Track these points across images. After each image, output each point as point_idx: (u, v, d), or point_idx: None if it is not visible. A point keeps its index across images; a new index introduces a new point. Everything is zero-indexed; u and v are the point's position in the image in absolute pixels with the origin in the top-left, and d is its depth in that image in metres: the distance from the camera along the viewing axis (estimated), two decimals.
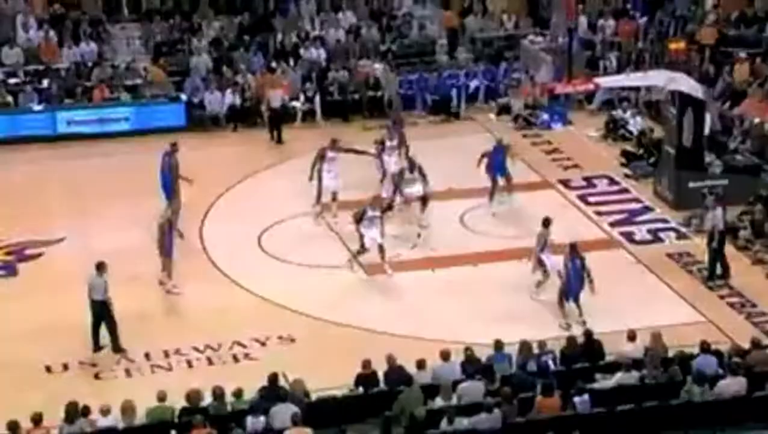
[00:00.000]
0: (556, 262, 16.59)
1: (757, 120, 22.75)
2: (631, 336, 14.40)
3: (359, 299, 17.02)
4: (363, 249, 17.58)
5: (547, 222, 17.02)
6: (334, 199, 19.36)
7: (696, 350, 13.84)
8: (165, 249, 17.12)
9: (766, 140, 22.23)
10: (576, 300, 15.91)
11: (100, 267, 15.61)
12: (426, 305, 16.73)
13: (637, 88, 24.88)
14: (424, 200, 19.08)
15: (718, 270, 17.53)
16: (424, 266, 17.89)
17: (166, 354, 15.57)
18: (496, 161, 19.88)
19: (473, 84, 26.11)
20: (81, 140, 23.70)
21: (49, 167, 22.38)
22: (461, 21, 27.84)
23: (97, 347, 15.44)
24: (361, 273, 17.86)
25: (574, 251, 16.02)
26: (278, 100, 24.41)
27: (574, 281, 15.83)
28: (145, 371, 15.28)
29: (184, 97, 25.14)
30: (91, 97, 24.93)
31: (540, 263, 16.83)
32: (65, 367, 15.29)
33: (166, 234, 17.15)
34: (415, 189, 19.02)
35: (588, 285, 15.92)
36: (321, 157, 19.67)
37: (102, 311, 15.45)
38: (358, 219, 17.64)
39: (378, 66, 26.28)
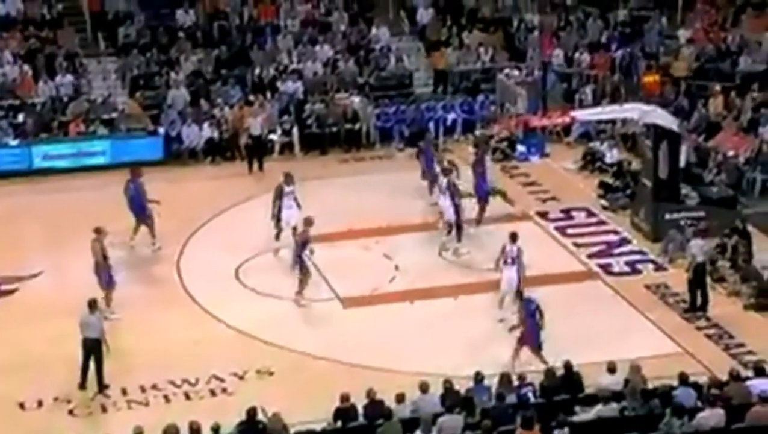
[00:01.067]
0: (511, 279, 16.83)
1: (731, 152, 23.03)
2: (611, 368, 14.42)
3: (338, 332, 16.98)
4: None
5: (514, 237, 17.34)
6: (295, 231, 19.35)
7: (674, 382, 13.87)
8: (103, 282, 17.06)
9: (740, 173, 22.50)
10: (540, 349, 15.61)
11: (92, 305, 15.44)
12: (405, 337, 16.71)
13: (613, 121, 25.12)
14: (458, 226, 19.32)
15: (699, 301, 17.61)
16: (402, 299, 17.87)
17: (143, 389, 15.46)
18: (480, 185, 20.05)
19: (450, 117, 26.30)
20: (57, 175, 23.66)
21: (25, 202, 22.30)
22: (446, 61, 27.92)
23: (83, 385, 15.23)
24: (338, 305, 17.83)
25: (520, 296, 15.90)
26: (258, 128, 24.45)
27: (533, 331, 15.59)
28: (121, 406, 15.15)
29: (161, 130, 25.15)
30: (67, 132, 24.90)
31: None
32: (39, 404, 15.14)
33: (102, 268, 17.05)
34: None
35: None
36: (279, 193, 19.72)
37: (95, 349, 15.26)
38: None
39: (355, 99, 26.42)
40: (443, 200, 19.50)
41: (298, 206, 19.58)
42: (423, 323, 17.06)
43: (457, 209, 19.33)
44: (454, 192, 19.39)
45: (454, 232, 19.48)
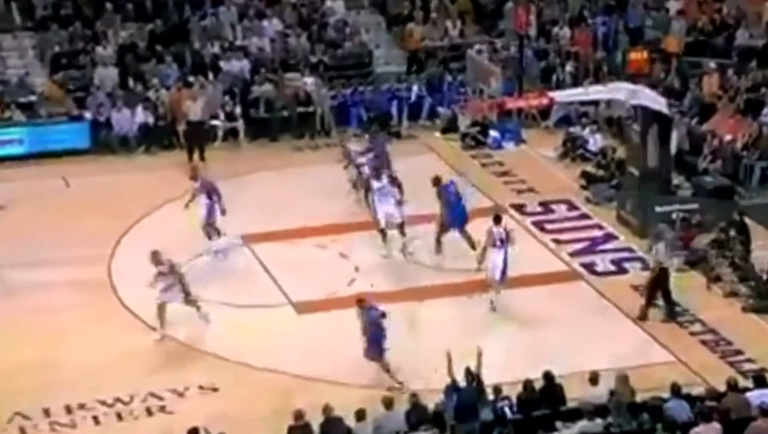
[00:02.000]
0: (496, 264, 17.41)
1: (728, 137, 23.23)
2: (594, 379, 14.53)
3: (289, 341, 16.95)
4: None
5: (498, 219, 18.00)
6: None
7: (666, 393, 14.00)
8: None
9: (738, 160, 22.71)
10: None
11: None
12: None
13: (596, 103, 25.29)
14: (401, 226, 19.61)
15: (666, 303, 17.76)
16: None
17: (69, 410, 15.32)
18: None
19: (414, 99, 26.33)
20: None
21: None
22: (420, 41, 27.89)
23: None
24: (291, 311, 17.81)
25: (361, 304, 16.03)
26: (198, 112, 24.34)
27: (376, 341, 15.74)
28: (43, 429, 15.00)
29: (87, 115, 24.93)
30: None
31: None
32: None
33: None
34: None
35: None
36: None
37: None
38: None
39: (308, 79, 26.36)
40: (388, 205, 19.51)
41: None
42: (387, 330, 17.04)
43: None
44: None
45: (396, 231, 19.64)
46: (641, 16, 28.15)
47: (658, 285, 17.75)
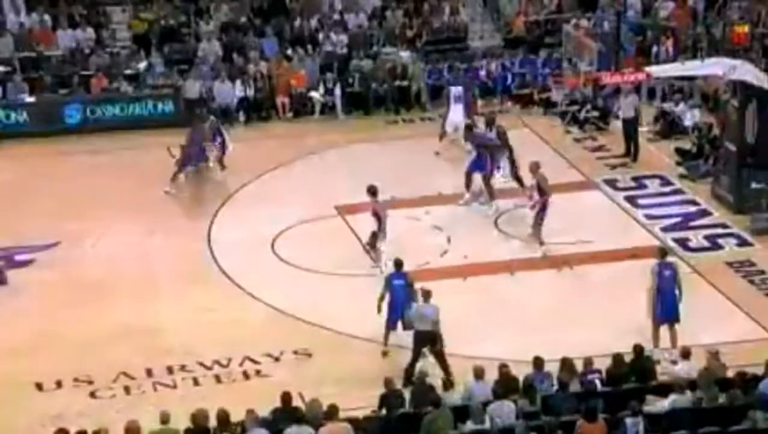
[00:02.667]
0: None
1: None
2: (685, 354, 14.32)
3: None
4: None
5: (537, 165, 18.43)
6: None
7: (760, 370, 13.72)
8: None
9: None
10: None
11: (427, 296, 15.32)
12: (457, 317, 16.70)
13: (692, 78, 24.78)
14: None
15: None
16: (454, 275, 17.89)
17: (170, 371, 15.65)
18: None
19: (510, 74, 26.12)
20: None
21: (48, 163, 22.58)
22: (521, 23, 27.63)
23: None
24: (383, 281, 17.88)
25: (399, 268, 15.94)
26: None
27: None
28: (146, 389, 15.34)
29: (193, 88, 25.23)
30: (88, 87, 25.13)
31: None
32: (58, 384, 15.39)
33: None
34: None
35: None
36: None
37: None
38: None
39: (404, 54, 26.32)
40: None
41: None
42: (477, 302, 17.05)
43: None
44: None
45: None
46: None
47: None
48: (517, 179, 20.41)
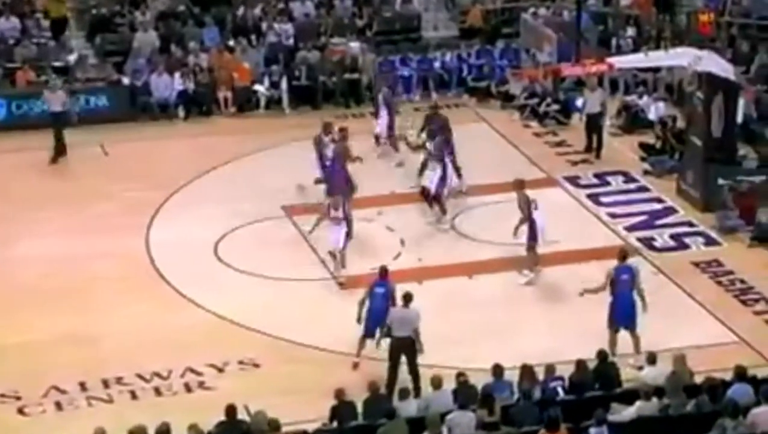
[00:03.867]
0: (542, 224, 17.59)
1: None
2: (651, 359, 14.43)
3: (334, 317, 16.97)
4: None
5: (521, 184, 18.05)
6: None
7: (729, 375, 13.85)
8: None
9: None
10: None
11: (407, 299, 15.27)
12: None
13: (656, 70, 25.00)
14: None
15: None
16: (408, 278, 17.88)
17: (106, 384, 15.47)
18: None
19: (466, 66, 26.18)
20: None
21: None
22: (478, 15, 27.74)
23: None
24: (334, 286, 17.86)
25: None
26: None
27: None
28: (80, 404, 15.16)
29: (125, 81, 25.06)
30: (14, 81, 24.83)
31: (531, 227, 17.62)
32: None
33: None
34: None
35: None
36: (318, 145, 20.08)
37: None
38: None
39: (354, 45, 26.32)
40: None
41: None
42: (433, 307, 17.03)
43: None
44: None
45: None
46: None
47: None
48: (456, 169, 20.34)
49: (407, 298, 15.29)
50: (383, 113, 22.66)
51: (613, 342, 15.65)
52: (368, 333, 15.66)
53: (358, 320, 15.65)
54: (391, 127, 22.52)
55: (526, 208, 17.89)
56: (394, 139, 22.35)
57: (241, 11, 27.05)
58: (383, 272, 15.91)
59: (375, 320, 15.57)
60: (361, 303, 15.67)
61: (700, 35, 25.35)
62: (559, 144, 23.49)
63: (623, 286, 15.83)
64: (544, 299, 17.56)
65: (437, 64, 26.21)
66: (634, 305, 15.79)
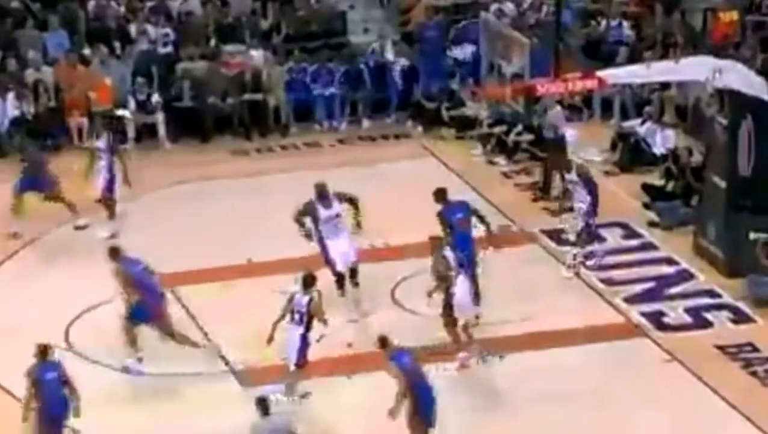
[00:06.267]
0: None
1: None
2: None
3: (232, 423, 16.74)
4: None
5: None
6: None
7: None
8: None
9: None
10: None
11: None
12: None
13: (663, 86, 25.35)
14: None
15: None
16: (336, 370, 17.92)
17: None
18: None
19: (408, 82, 26.50)
20: None
21: None
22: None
23: None
24: (233, 383, 17.84)
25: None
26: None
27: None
28: None
29: None
30: None
31: None
32: None
33: None
34: None
35: None
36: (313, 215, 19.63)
37: None
38: None
39: (255, 53, 26.42)
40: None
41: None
42: (367, 409, 17.00)
43: None
44: None
45: None
46: None
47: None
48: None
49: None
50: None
51: None
52: None
53: None
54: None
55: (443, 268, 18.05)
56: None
57: (95, 7, 27.00)
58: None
59: None
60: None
61: (720, 40, 25.78)
62: (535, 186, 23.69)
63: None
64: (519, 393, 17.51)
65: (368, 80, 26.40)
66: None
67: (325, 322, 17.31)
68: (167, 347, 18.14)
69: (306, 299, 17.24)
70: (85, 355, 18.44)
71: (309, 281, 17.38)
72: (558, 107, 23.81)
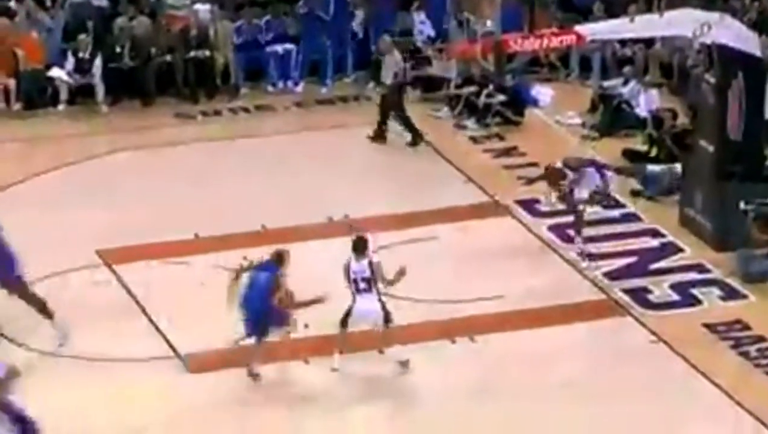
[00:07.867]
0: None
1: None
2: None
3: (177, 408, 16.93)
4: None
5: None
6: None
7: None
8: None
9: None
10: None
11: None
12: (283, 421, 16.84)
13: (647, 42, 25.41)
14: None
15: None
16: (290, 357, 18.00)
17: None
18: None
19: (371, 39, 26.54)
20: None
21: None
22: None
23: None
24: (179, 368, 17.86)
25: None
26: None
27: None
28: None
29: None
30: None
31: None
32: None
33: None
34: None
35: None
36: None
37: None
38: None
39: (201, 6, 26.34)
40: None
41: None
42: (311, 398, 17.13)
43: None
44: None
45: None
46: None
47: None
48: None
49: None
50: None
51: None
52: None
53: None
54: None
55: None
56: None
57: None
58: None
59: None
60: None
61: None
62: (508, 153, 23.79)
63: None
64: (489, 381, 17.61)
65: (326, 36, 26.37)
66: None
67: (391, 283, 17.49)
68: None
69: (365, 263, 17.40)
70: None
71: (361, 246, 17.54)
72: (396, 51, 24.12)
